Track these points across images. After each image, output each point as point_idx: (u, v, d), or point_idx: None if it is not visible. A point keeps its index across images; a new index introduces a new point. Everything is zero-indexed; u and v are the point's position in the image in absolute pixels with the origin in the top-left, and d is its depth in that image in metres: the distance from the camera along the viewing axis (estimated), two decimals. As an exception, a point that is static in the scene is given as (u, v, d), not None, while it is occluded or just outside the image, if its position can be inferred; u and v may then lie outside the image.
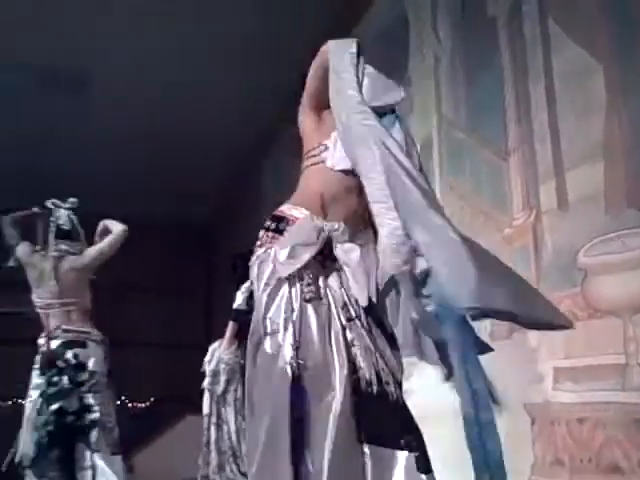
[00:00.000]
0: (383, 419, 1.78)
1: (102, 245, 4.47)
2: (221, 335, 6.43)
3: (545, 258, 3.10)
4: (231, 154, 8.41)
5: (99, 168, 8.69)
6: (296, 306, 1.85)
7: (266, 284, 1.92)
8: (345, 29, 5.61)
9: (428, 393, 3.78)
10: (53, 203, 4.31)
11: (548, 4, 3.18)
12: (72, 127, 7.72)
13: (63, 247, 4.30)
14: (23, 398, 4.34)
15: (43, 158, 8.37)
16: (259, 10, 5.78)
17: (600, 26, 2.85)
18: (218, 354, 5.54)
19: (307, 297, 1.87)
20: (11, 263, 4.36)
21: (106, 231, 4.53)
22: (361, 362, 1.81)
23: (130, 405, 8.85)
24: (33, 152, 8.25)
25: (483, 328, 3.44)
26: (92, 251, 4.43)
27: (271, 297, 1.90)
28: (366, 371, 1.80)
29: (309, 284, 1.89)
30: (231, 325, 5.27)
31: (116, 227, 4.53)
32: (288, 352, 1.80)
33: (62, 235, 4.31)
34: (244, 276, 8.02)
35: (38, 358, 4.24)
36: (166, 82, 6.86)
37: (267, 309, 1.89)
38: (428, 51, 4.25)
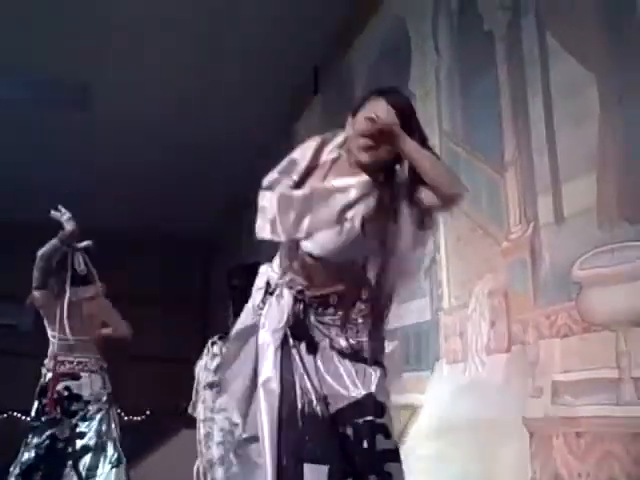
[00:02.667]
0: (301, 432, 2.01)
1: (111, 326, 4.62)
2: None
3: (542, 272, 3.10)
4: (230, 169, 8.44)
5: (100, 184, 8.72)
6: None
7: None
8: (344, 46, 5.65)
9: (440, 407, 3.81)
10: (68, 245, 4.34)
11: (546, 18, 3.20)
12: (73, 143, 7.75)
13: (80, 292, 4.37)
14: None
15: (42, 173, 8.38)
16: (260, 24, 5.80)
17: (595, 40, 2.87)
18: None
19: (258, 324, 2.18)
20: (28, 301, 4.50)
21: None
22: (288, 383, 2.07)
23: (126, 419, 8.82)
24: (32, 167, 8.27)
25: (480, 342, 3.47)
26: (106, 317, 4.61)
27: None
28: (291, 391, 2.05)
29: (259, 315, 2.19)
30: None
31: (122, 329, 4.69)
32: None
33: (79, 281, 4.37)
34: (240, 288, 8.06)
35: (38, 387, 4.32)
36: (168, 98, 6.89)
37: None
38: (430, 66, 4.27)
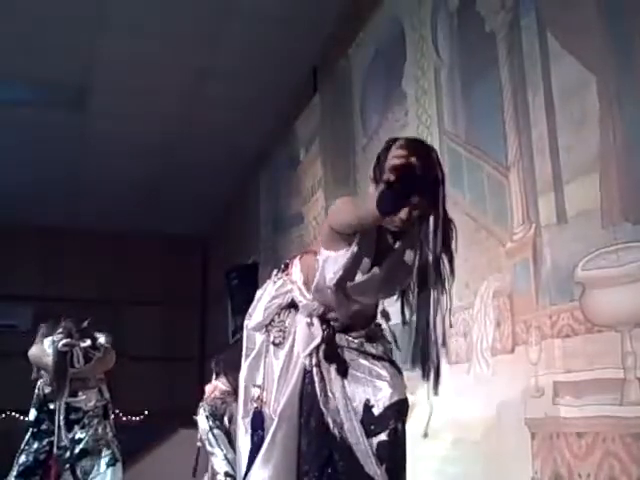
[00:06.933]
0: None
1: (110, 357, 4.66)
2: (215, 349, 6.49)
3: (544, 272, 3.10)
4: (229, 170, 8.45)
5: (99, 184, 8.72)
6: (264, 349, 2.24)
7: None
8: (343, 46, 5.65)
9: (439, 407, 3.81)
10: (66, 344, 4.36)
11: (547, 18, 3.20)
12: (72, 143, 7.75)
13: (75, 371, 4.39)
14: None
15: (42, 174, 8.38)
16: (259, 25, 5.80)
17: (596, 40, 2.88)
18: None
19: (275, 341, 2.24)
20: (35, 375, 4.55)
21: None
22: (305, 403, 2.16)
23: (124, 419, 8.82)
24: (31, 168, 8.27)
25: (485, 342, 3.47)
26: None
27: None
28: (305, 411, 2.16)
29: (280, 330, 2.24)
30: None
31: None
32: (255, 392, 2.21)
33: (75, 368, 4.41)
34: (237, 287, 8.07)
35: (35, 396, 4.41)
36: (166, 99, 6.89)
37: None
38: (428, 66, 4.27)
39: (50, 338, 4.35)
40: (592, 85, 2.86)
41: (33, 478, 4.16)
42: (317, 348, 2.19)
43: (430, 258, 2.00)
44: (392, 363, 2.27)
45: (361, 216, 1.94)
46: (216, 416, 5.84)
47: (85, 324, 4.54)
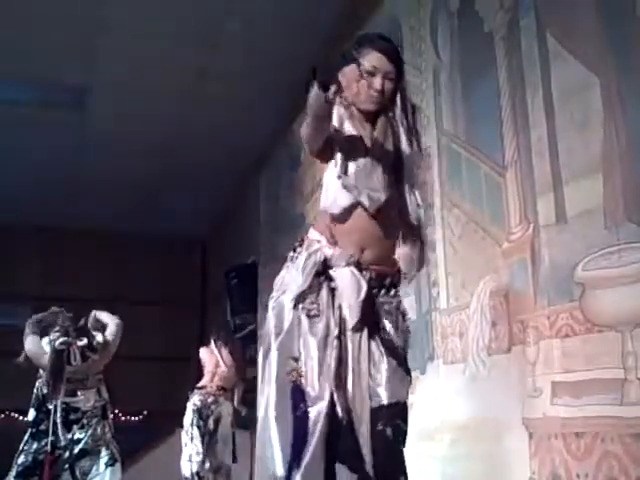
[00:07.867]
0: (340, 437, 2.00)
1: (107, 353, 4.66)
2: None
3: (542, 272, 3.10)
4: (229, 170, 8.45)
5: (98, 185, 8.73)
6: (295, 322, 2.10)
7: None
8: (342, 47, 5.65)
9: (437, 407, 3.81)
10: (64, 343, 4.36)
11: (546, 19, 3.20)
12: (72, 144, 7.74)
13: (73, 370, 4.41)
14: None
15: (43, 174, 8.39)
16: (259, 25, 5.81)
17: (597, 41, 2.87)
18: None
19: (310, 313, 2.09)
20: (21, 359, 4.54)
21: (98, 323, 4.67)
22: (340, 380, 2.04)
23: (123, 419, 8.83)
24: (32, 168, 8.27)
25: (481, 342, 3.47)
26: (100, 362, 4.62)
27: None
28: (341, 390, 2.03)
29: (312, 302, 2.10)
30: None
31: (111, 323, 4.72)
32: (292, 364, 2.05)
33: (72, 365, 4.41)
34: (237, 287, 8.08)
35: (34, 396, 4.40)
36: (166, 99, 6.88)
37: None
38: (427, 66, 4.28)
39: (47, 338, 4.36)
40: (592, 84, 2.86)
41: (32, 478, 4.16)
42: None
43: (402, 132, 2.23)
44: (404, 362, 2.16)
45: (310, 106, 2.04)
46: (202, 415, 5.92)
47: (82, 322, 4.54)
